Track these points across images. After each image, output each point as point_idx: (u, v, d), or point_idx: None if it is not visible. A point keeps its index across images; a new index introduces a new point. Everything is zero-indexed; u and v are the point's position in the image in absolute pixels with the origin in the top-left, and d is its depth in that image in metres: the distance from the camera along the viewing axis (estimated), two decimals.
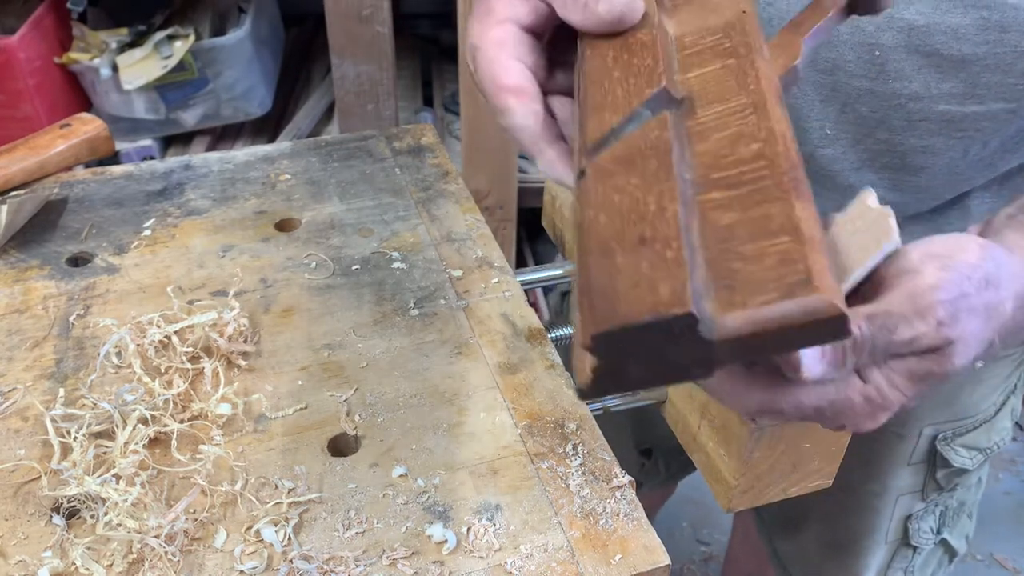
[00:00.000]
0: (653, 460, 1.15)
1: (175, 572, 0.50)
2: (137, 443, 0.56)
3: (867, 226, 0.46)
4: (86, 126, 0.88)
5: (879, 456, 0.88)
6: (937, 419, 0.85)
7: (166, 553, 0.51)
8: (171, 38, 1.53)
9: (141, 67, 1.51)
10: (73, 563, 0.50)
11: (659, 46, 0.45)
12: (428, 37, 2.05)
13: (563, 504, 0.55)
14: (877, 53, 0.61)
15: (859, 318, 0.44)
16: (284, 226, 0.80)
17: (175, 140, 1.66)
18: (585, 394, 0.36)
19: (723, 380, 0.46)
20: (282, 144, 0.91)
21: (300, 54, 1.92)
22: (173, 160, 0.88)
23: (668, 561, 0.52)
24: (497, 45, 0.48)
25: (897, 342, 0.44)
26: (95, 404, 0.59)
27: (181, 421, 0.59)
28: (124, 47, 1.54)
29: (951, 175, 0.67)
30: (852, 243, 0.46)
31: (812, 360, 0.43)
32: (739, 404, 0.47)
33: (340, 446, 0.59)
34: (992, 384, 0.85)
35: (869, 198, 0.46)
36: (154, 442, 0.58)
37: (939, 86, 0.62)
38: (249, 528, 0.53)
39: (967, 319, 0.45)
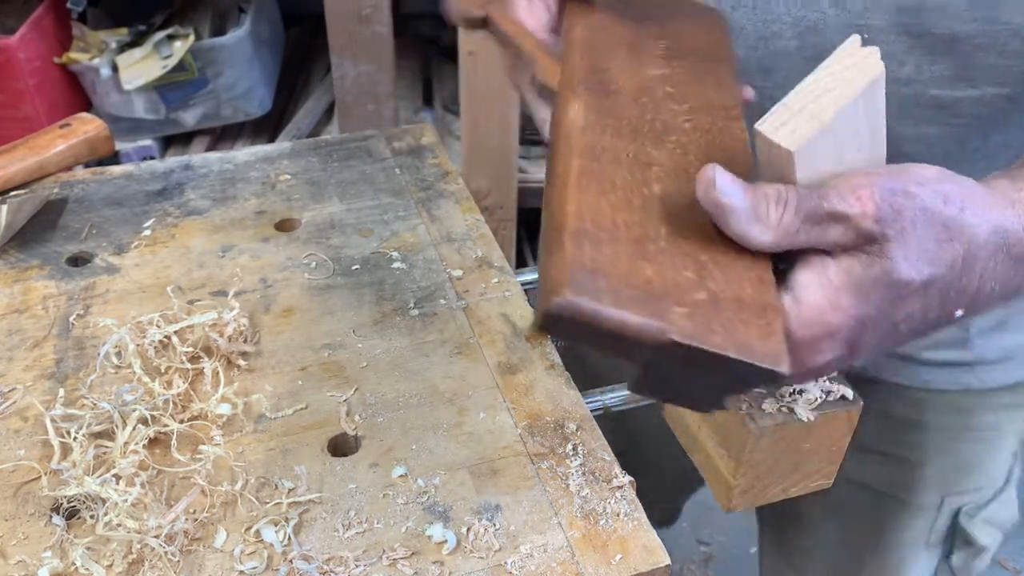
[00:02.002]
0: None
1: (175, 572, 0.50)
2: (137, 443, 0.56)
3: (854, 65, 0.42)
4: (86, 126, 0.88)
5: (895, 534, 0.83)
6: (957, 487, 0.81)
7: (166, 553, 0.51)
8: (171, 38, 1.53)
9: (141, 67, 1.51)
10: (73, 563, 0.50)
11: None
12: (428, 37, 2.04)
13: (563, 504, 0.55)
14: (866, 36, 0.60)
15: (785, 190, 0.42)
16: (284, 226, 0.80)
17: (175, 140, 1.66)
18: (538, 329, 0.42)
19: None
20: (282, 144, 0.91)
21: (300, 54, 1.92)
22: (173, 160, 0.88)
23: (668, 561, 0.52)
24: None
25: (825, 210, 0.41)
26: (95, 404, 0.59)
27: (181, 421, 0.59)
28: (124, 47, 1.54)
29: (949, 169, 0.65)
30: (837, 82, 0.42)
31: (730, 185, 0.41)
32: None
33: (340, 446, 0.59)
34: (1007, 448, 0.81)
35: (855, 41, 0.43)
36: (154, 442, 0.58)
37: (930, 68, 0.60)
38: (249, 528, 0.53)
39: (912, 221, 0.41)
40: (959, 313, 0.43)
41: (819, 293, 0.41)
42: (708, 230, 0.43)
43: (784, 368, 0.38)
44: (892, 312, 0.42)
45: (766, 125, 0.41)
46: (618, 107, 0.49)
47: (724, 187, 0.41)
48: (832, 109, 0.41)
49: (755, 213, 0.41)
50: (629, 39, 0.55)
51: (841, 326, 0.41)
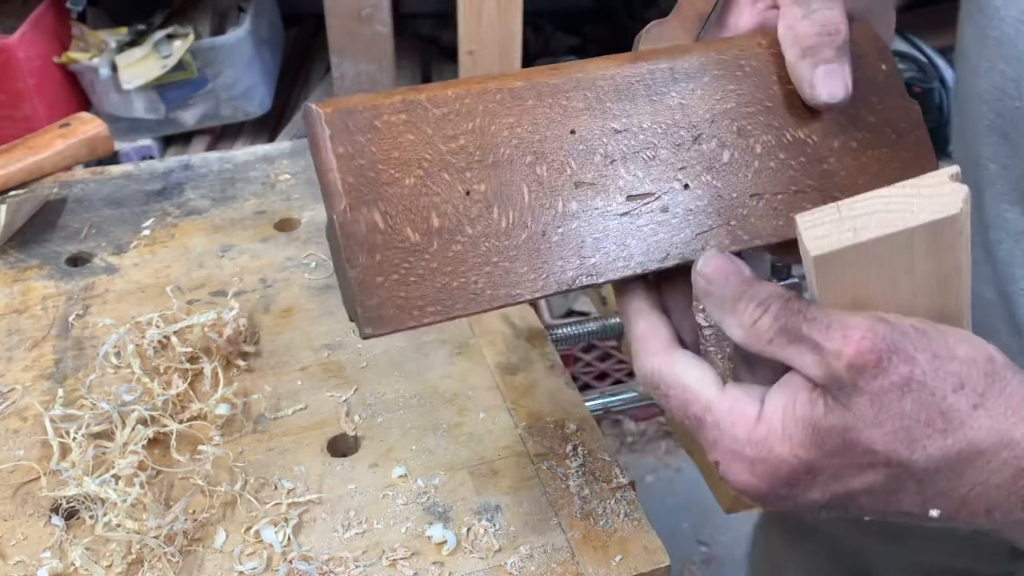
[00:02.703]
0: None
1: (174, 573, 0.50)
2: (136, 444, 0.56)
3: (932, 195, 0.37)
4: (85, 126, 0.87)
5: None
6: None
7: (165, 554, 0.50)
8: (171, 37, 1.53)
9: (140, 67, 1.51)
10: (72, 563, 0.50)
11: None
12: (428, 37, 2.04)
13: (563, 504, 0.55)
14: None
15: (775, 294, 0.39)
16: (284, 226, 0.79)
17: (174, 140, 1.66)
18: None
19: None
20: (282, 144, 0.91)
21: (300, 54, 1.92)
22: (172, 160, 0.88)
23: (668, 562, 0.52)
24: None
25: (803, 333, 0.37)
26: (94, 404, 0.58)
27: (180, 421, 0.59)
28: (123, 47, 1.54)
29: None
30: (902, 206, 0.37)
31: (718, 270, 0.40)
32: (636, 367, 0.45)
33: (340, 446, 0.59)
34: None
35: (946, 172, 0.38)
36: (153, 442, 0.58)
37: None
38: (248, 529, 0.53)
39: (899, 389, 0.36)
40: (935, 514, 0.38)
41: (778, 415, 0.38)
42: None
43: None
44: (846, 475, 0.38)
45: (805, 217, 0.38)
46: None
47: (709, 270, 0.41)
48: (875, 231, 0.37)
49: (731, 307, 0.40)
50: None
51: (784, 460, 0.38)
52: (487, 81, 0.44)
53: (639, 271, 0.45)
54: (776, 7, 0.48)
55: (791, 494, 0.39)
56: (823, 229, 0.37)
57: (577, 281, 0.44)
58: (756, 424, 0.39)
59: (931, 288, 0.39)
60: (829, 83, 0.45)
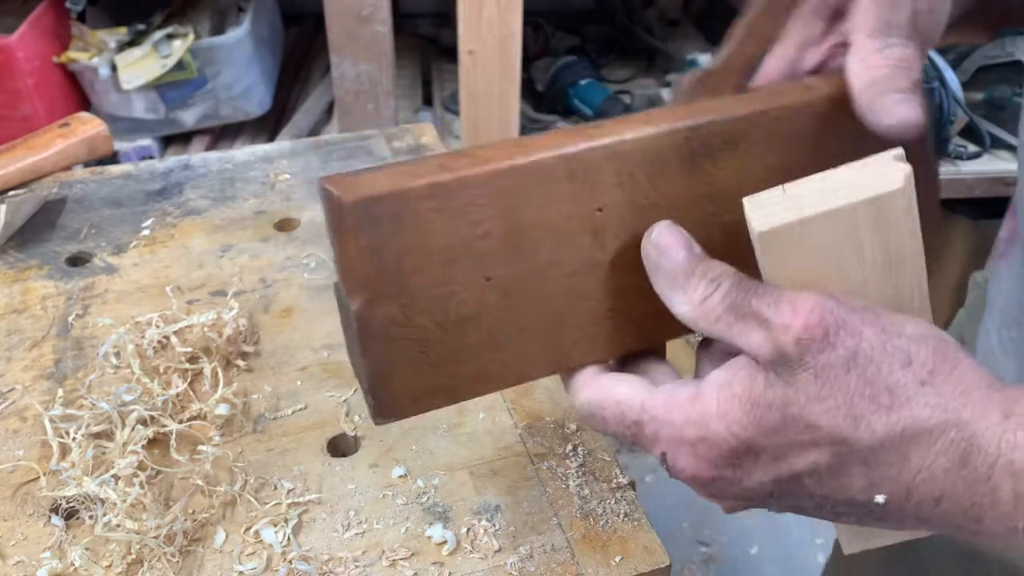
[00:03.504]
0: None
1: (174, 573, 0.50)
2: (136, 444, 0.56)
3: (877, 174, 0.37)
4: (85, 126, 0.87)
5: None
6: None
7: (165, 554, 0.50)
8: (170, 37, 1.53)
9: (140, 66, 1.51)
10: (72, 564, 0.50)
11: None
12: (428, 37, 2.04)
13: (563, 505, 0.54)
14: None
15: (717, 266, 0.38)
16: (283, 226, 0.79)
17: (174, 140, 1.66)
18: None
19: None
20: (281, 143, 0.91)
21: (300, 53, 1.92)
22: (172, 160, 0.88)
23: (668, 562, 0.52)
24: None
25: (751, 308, 0.37)
26: (94, 404, 0.58)
27: (180, 422, 0.59)
28: (123, 46, 1.54)
29: None
30: (848, 184, 0.37)
31: (670, 243, 0.39)
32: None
33: (340, 446, 0.59)
34: None
35: (894, 153, 0.38)
36: (153, 443, 0.58)
37: None
38: (248, 529, 0.53)
39: (844, 363, 0.35)
40: (880, 499, 0.37)
41: (715, 394, 0.38)
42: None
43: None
44: (789, 454, 0.37)
45: (751, 199, 0.38)
46: None
47: (662, 242, 0.40)
48: (818, 207, 0.37)
49: (682, 282, 0.39)
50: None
51: (723, 438, 0.37)
52: (519, 153, 0.40)
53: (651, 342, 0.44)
54: (844, 45, 0.45)
55: (735, 477, 0.38)
56: (769, 209, 0.37)
57: (584, 360, 0.44)
58: (692, 404, 0.38)
59: (882, 274, 0.38)
60: (901, 108, 0.41)
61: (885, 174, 0.37)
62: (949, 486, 0.35)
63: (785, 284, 0.38)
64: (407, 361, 0.41)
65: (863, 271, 0.38)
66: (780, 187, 0.38)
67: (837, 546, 0.99)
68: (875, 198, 0.37)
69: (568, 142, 0.41)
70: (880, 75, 0.42)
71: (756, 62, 0.44)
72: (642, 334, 0.43)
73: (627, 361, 0.45)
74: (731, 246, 0.42)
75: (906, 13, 0.43)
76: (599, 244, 0.42)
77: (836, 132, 0.44)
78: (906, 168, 0.37)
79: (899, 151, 0.38)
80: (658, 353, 0.45)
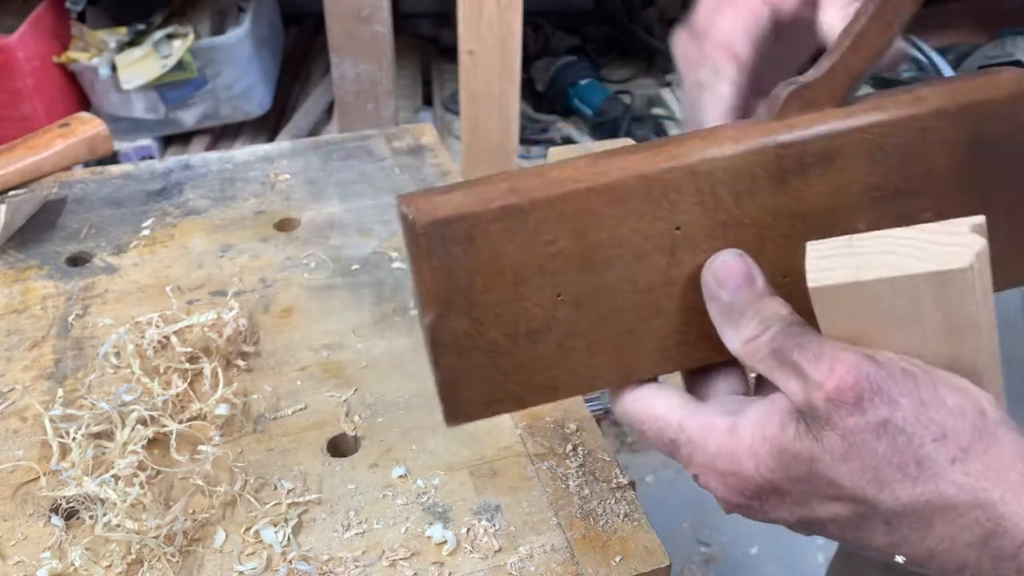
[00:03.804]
0: None
1: (174, 573, 0.50)
2: (136, 444, 0.56)
3: (949, 243, 0.35)
4: (85, 126, 0.87)
5: None
6: None
7: (165, 554, 0.50)
8: (170, 37, 1.53)
9: (140, 66, 1.51)
10: (72, 564, 0.50)
11: None
12: (428, 37, 2.05)
13: (563, 505, 0.54)
14: None
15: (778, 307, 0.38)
16: (283, 226, 0.80)
17: (174, 140, 1.66)
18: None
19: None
20: (281, 144, 0.91)
21: (300, 53, 1.92)
22: (172, 160, 0.88)
23: (668, 562, 0.52)
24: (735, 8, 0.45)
25: (791, 359, 0.37)
26: (94, 404, 0.58)
27: (180, 422, 0.59)
28: (123, 46, 1.54)
29: None
30: (914, 251, 0.36)
31: (730, 276, 0.39)
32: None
33: (340, 446, 0.59)
34: None
35: (971, 223, 0.36)
36: (153, 443, 0.58)
37: None
38: (248, 529, 0.53)
39: (875, 430, 0.35)
40: (900, 560, 0.37)
41: (750, 432, 0.38)
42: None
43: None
44: (812, 502, 0.38)
45: (815, 247, 0.37)
46: None
47: (721, 274, 0.40)
48: (876, 272, 0.35)
49: (735, 318, 0.39)
50: None
51: (750, 476, 0.38)
52: (593, 174, 0.40)
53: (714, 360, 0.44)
54: (813, 5, 0.45)
55: (762, 508, 0.40)
56: (829, 261, 0.36)
57: (654, 371, 0.44)
58: (727, 437, 0.39)
59: (942, 340, 0.37)
60: None
61: (957, 245, 0.35)
62: (972, 560, 0.35)
63: (838, 335, 0.38)
64: (478, 370, 0.42)
65: (922, 335, 0.37)
66: (848, 238, 0.37)
67: (839, 547, 0.99)
68: (939, 273, 0.35)
69: (647, 161, 0.40)
70: None
71: (862, 74, 0.41)
72: (715, 349, 0.42)
73: (698, 372, 0.45)
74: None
75: None
76: (675, 262, 0.41)
77: (946, 149, 0.41)
78: (978, 245, 0.35)
79: (981, 219, 0.36)
80: (733, 364, 0.44)
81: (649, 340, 0.43)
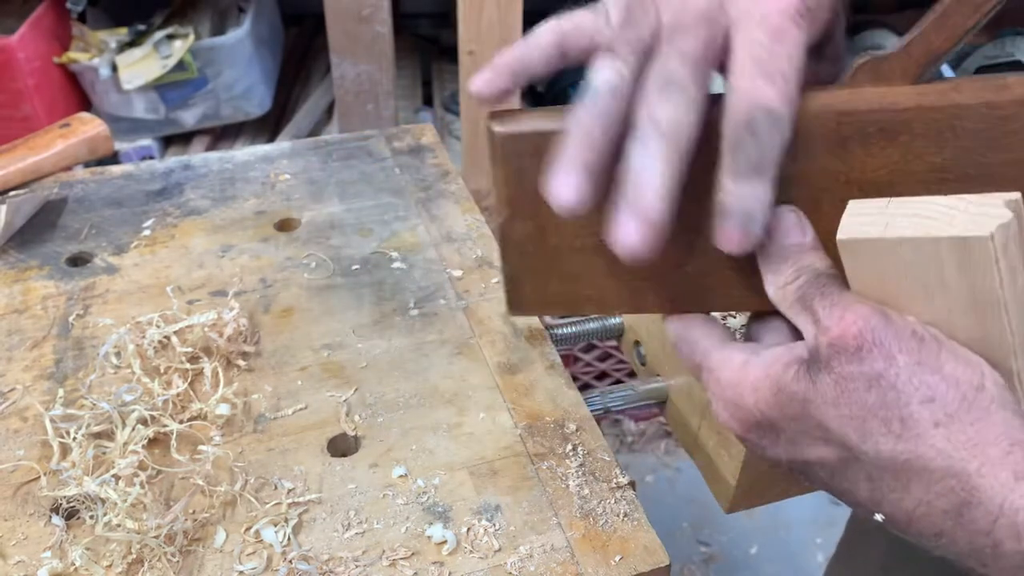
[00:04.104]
0: None
1: (174, 572, 0.50)
2: (136, 443, 0.56)
3: (978, 213, 0.35)
4: (85, 126, 0.88)
5: None
6: None
7: (165, 553, 0.50)
8: (171, 38, 1.53)
9: (140, 67, 1.51)
10: (72, 563, 0.50)
11: None
12: (428, 37, 2.05)
13: (563, 504, 0.55)
14: None
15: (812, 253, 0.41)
16: (284, 226, 0.80)
17: (174, 140, 1.66)
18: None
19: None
20: (282, 144, 0.91)
21: (300, 54, 1.92)
22: (172, 160, 0.88)
23: (668, 561, 0.52)
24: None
25: (811, 305, 0.39)
26: (94, 404, 0.58)
27: (180, 421, 0.59)
28: (123, 47, 1.54)
29: None
30: (945, 216, 0.35)
31: (784, 228, 0.41)
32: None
33: (340, 446, 0.59)
34: None
35: (1009, 198, 0.35)
36: (153, 442, 0.58)
37: None
38: (249, 528, 0.53)
39: (867, 381, 0.36)
40: (879, 518, 0.38)
41: (757, 369, 0.41)
42: None
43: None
44: (802, 442, 0.39)
45: (856, 204, 0.38)
46: None
47: (771, 223, 0.41)
48: (901, 231, 0.36)
49: (776, 265, 0.42)
50: None
51: (750, 409, 0.41)
52: None
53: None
54: None
55: (761, 443, 0.42)
56: (863, 218, 0.38)
57: (698, 307, 0.48)
58: (738, 369, 0.42)
59: (967, 311, 0.37)
60: None
61: (985, 215, 0.35)
62: (948, 528, 0.35)
63: (865, 291, 0.39)
64: (537, 272, 0.49)
65: (947, 306, 0.37)
66: (888, 200, 0.38)
67: (839, 548, 0.99)
68: (959, 239, 0.35)
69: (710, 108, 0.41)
70: None
71: (941, 55, 0.40)
72: (757, 297, 0.44)
73: (755, 319, 0.47)
74: None
75: None
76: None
77: None
78: (1005, 217, 0.34)
79: (1016, 196, 0.35)
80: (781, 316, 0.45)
81: (695, 277, 0.46)
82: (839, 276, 0.40)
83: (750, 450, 0.45)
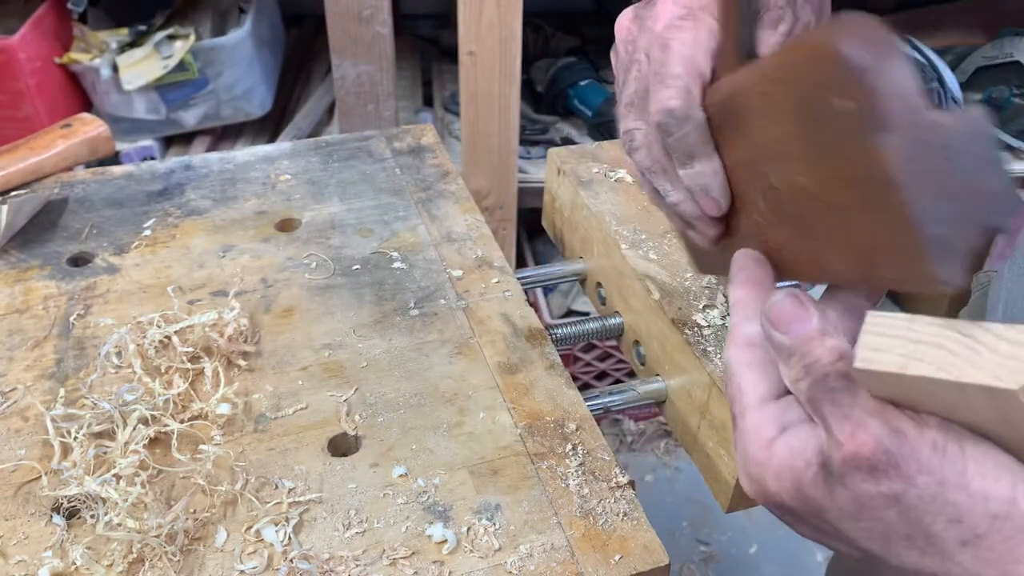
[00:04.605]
0: None
1: (175, 572, 0.50)
2: (137, 443, 0.56)
3: (1013, 358, 0.32)
4: (86, 126, 0.88)
5: None
6: None
7: (166, 553, 0.51)
8: (171, 38, 1.53)
9: (141, 67, 1.51)
10: (73, 563, 0.50)
11: None
12: (428, 37, 2.05)
13: (563, 504, 0.55)
14: None
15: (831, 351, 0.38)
16: (284, 226, 0.80)
17: (175, 140, 1.66)
18: None
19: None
20: (282, 144, 0.91)
21: (300, 54, 1.92)
22: (173, 160, 0.88)
23: (668, 561, 0.52)
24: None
25: (820, 411, 0.37)
26: (95, 404, 0.59)
27: (181, 421, 0.59)
28: (124, 47, 1.54)
29: None
30: (970, 355, 0.33)
31: (785, 317, 0.40)
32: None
33: (340, 446, 0.59)
34: None
35: None
36: (154, 442, 0.58)
37: None
38: (249, 528, 0.53)
39: (887, 499, 0.35)
40: None
41: (782, 455, 0.39)
42: None
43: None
44: (825, 534, 0.40)
45: (874, 320, 0.35)
46: None
47: (771, 316, 0.41)
48: (925, 370, 0.33)
49: (784, 358, 0.40)
50: None
51: (772, 494, 0.40)
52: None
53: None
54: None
55: (783, 517, 0.42)
56: (882, 340, 0.35)
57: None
58: (765, 450, 0.40)
59: (995, 425, 0.34)
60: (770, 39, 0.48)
61: (1016, 359, 0.32)
62: None
63: (881, 395, 0.36)
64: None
65: (972, 416, 0.35)
66: (909, 318, 0.34)
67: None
68: (988, 388, 0.32)
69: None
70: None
71: (741, 41, 0.46)
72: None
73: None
74: (772, 206, 0.45)
75: None
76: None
77: (783, 115, 0.41)
78: None
79: None
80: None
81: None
82: (848, 375, 0.37)
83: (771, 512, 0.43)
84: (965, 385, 0.32)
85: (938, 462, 0.34)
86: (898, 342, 0.34)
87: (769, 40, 0.48)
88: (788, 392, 0.42)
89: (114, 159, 1.39)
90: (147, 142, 1.62)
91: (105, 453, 0.56)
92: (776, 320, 0.41)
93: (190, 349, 0.63)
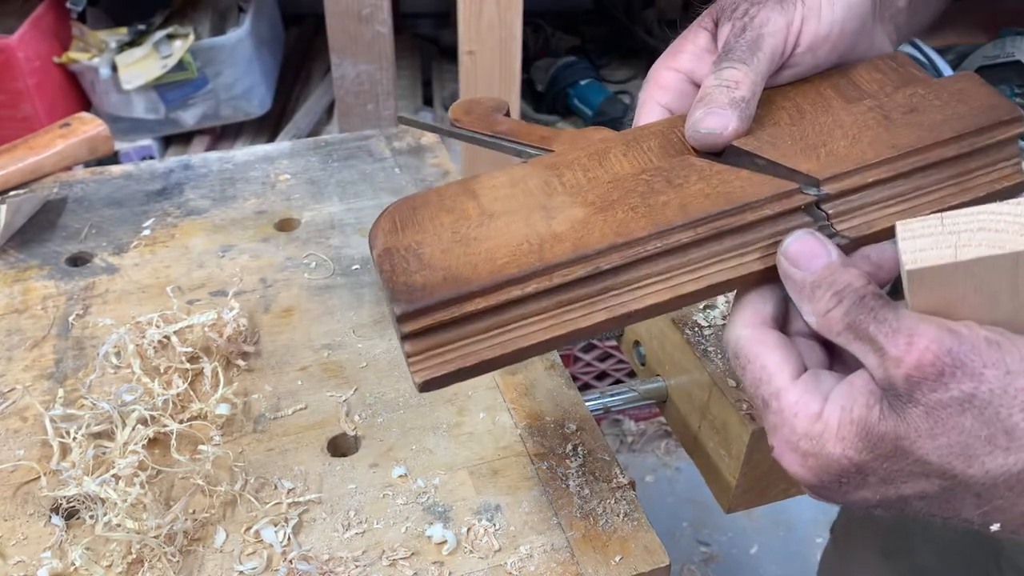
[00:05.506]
0: None
1: (174, 572, 0.50)
2: (136, 443, 0.56)
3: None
4: (85, 126, 0.88)
5: None
6: None
7: (165, 553, 0.50)
8: (171, 37, 1.53)
9: (140, 67, 1.51)
10: (72, 563, 0.50)
11: None
12: (428, 37, 2.05)
13: (563, 504, 0.55)
14: None
15: (854, 274, 0.38)
16: (284, 226, 0.80)
17: (174, 140, 1.66)
18: None
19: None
20: (282, 144, 0.91)
21: (300, 54, 1.92)
22: (172, 160, 0.88)
23: (668, 561, 0.52)
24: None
25: (868, 333, 0.37)
26: (94, 404, 0.58)
27: (180, 421, 0.59)
28: (123, 47, 1.54)
29: None
30: (1013, 226, 0.34)
31: (805, 254, 0.40)
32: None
33: (340, 446, 0.59)
34: None
35: None
36: (153, 442, 0.58)
37: None
38: (249, 528, 0.53)
39: (960, 404, 0.34)
40: (995, 528, 0.37)
41: (836, 415, 0.38)
42: None
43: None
44: (898, 479, 0.38)
45: (905, 226, 0.36)
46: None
47: (791, 252, 0.40)
48: (978, 251, 0.34)
49: (808, 292, 0.40)
50: None
51: (835, 459, 0.38)
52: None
53: None
54: None
55: (841, 491, 0.40)
56: (923, 242, 0.35)
57: None
58: (815, 421, 0.39)
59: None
60: (709, 119, 0.45)
61: None
62: None
63: (926, 309, 0.37)
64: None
65: (1014, 304, 0.36)
66: (938, 217, 0.35)
67: (834, 534, 0.99)
68: None
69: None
70: (703, 94, 0.46)
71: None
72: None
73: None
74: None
75: (747, 38, 0.47)
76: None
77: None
78: None
79: None
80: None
81: None
82: (883, 294, 0.38)
83: (820, 497, 0.42)
84: (1017, 255, 0.33)
85: (997, 354, 0.34)
86: (938, 238, 0.35)
87: None
88: (806, 368, 0.41)
89: (113, 159, 1.39)
90: (146, 141, 1.62)
91: (104, 453, 0.56)
92: (795, 257, 0.40)
93: (189, 349, 0.63)
